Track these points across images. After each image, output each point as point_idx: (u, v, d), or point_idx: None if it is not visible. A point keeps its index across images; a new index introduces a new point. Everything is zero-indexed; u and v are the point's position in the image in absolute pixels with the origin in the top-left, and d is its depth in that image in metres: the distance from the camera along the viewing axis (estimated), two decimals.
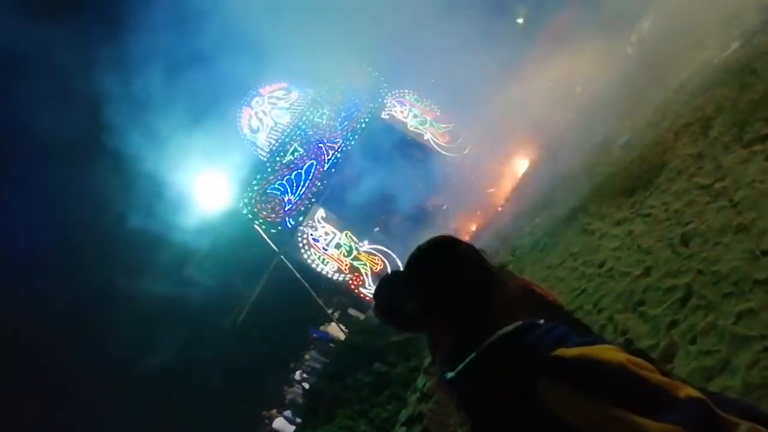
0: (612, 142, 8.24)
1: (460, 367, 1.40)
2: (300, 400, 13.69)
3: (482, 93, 14.51)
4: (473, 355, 1.39)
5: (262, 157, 14.98)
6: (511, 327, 1.40)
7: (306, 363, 14.73)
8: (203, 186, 14.42)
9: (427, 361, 7.93)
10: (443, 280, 1.49)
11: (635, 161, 6.52)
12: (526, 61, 14.42)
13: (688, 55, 7.90)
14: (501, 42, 14.93)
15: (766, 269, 3.42)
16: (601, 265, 5.46)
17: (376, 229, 15.76)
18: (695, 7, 8.26)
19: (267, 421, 13.88)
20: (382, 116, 16.65)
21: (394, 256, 14.73)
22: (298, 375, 14.44)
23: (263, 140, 15.33)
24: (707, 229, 4.26)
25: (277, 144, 15.17)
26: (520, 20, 17.63)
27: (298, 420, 12.94)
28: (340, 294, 15.20)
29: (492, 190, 14.09)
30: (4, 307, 14.54)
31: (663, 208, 5.15)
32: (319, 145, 15.48)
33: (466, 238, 14.66)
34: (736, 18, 7.13)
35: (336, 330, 14.80)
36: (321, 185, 15.27)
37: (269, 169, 14.70)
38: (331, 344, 14.38)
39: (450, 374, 1.43)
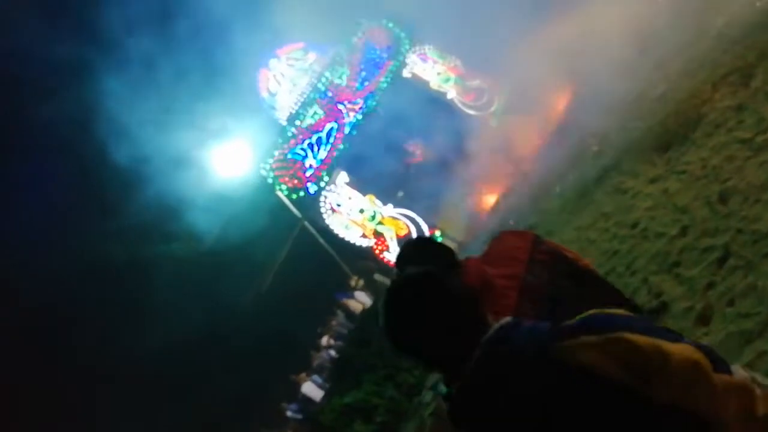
0: (645, 95, 7.87)
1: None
2: (328, 365, 13.86)
3: (508, 46, 13.98)
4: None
5: (281, 121, 14.78)
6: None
7: (333, 328, 14.84)
8: (223, 153, 14.36)
9: None
10: (425, 336, 1.28)
11: (670, 115, 6.19)
12: (553, 10, 13.81)
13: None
14: None
15: None
16: (634, 226, 5.24)
17: (400, 193, 15.54)
18: None
19: (296, 385, 14.12)
20: (404, 75, 16.19)
21: (419, 221, 14.56)
22: (325, 341, 14.57)
23: (282, 103, 15.10)
24: (747, 186, 4.01)
25: (296, 107, 14.93)
26: None
27: (327, 385, 13.13)
28: (365, 259, 15.16)
29: (520, 149, 13.71)
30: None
31: (700, 165, 4.88)
32: (340, 106, 15.18)
33: (493, 199, 14.42)
34: None
35: (362, 296, 14.81)
36: (343, 148, 15.06)
37: (289, 134, 14.51)
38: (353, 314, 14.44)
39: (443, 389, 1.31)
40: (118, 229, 14.69)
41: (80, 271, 15.05)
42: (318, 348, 14.91)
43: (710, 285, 3.61)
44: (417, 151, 15.61)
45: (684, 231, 4.37)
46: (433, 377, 7.01)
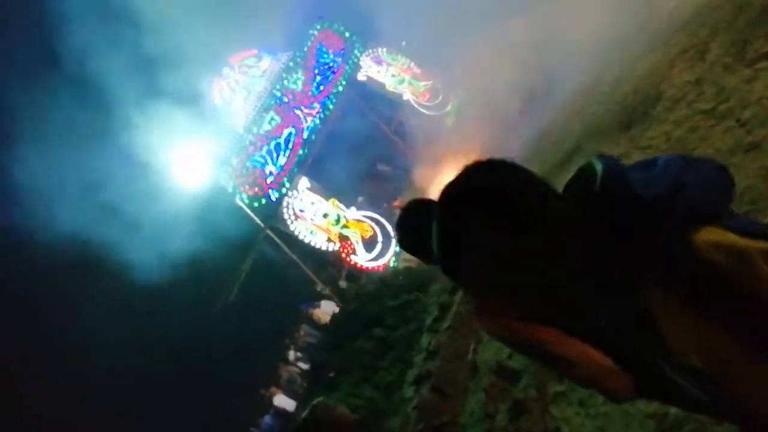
0: (601, 80, 8.00)
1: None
2: (298, 379, 13.60)
3: (460, 44, 14.14)
4: None
5: (238, 129, 14.48)
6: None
7: (301, 339, 14.59)
8: (180, 165, 13.94)
9: (430, 319, 7.78)
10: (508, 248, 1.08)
11: (628, 94, 6.28)
12: (505, 7, 14.05)
13: None
14: None
15: None
16: None
17: (360, 198, 15.48)
18: None
19: (267, 400, 13.78)
20: (359, 78, 16.18)
21: (384, 222, 14.48)
22: (292, 355, 14.32)
23: (238, 111, 14.81)
24: (715, 152, 4.06)
25: (253, 114, 14.67)
26: None
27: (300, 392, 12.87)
28: (330, 266, 14.99)
29: (477, 143, 13.83)
30: None
31: (664, 138, 4.95)
32: (297, 112, 15.00)
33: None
34: None
35: (328, 305, 14.61)
36: (302, 154, 14.86)
37: (247, 141, 14.22)
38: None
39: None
40: (72, 240, 14.01)
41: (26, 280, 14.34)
42: (286, 360, 14.63)
43: None
44: (376, 153, 15.58)
45: None
46: (413, 372, 6.90)
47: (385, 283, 11.43)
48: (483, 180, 1.17)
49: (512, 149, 11.07)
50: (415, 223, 2.05)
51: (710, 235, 1.06)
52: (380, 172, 16.56)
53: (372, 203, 15.33)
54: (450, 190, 1.18)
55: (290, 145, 14.48)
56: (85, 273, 14.44)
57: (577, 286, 1.12)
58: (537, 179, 1.19)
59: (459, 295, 6.86)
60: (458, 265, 1.16)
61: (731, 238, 1.06)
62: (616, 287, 1.10)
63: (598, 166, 1.23)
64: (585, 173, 1.26)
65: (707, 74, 4.96)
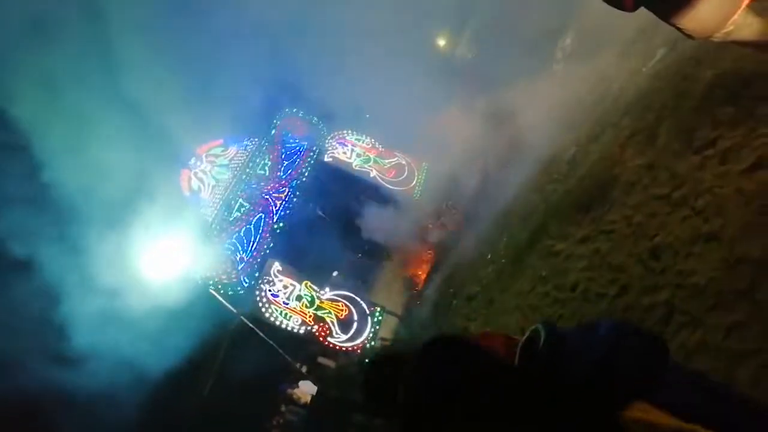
0: (559, 157, 8.31)
1: None
2: None
3: (421, 122, 14.67)
4: None
5: (207, 218, 14.47)
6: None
7: (285, 416, 14.24)
8: (150, 257, 13.75)
9: None
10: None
11: (585, 177, 6.53)
12: (458, 85, 14.71)
13: (617, 67, 8.11)
14: (432, 71, 15.23)
15: (745, 277, 3.35)
16: (573, 288, 5.35)
17: (335, 273, 15.43)
18: (613, 20, 8.54)
19: None
20: (326, 160, 16.50)
21: (358, 299, 14.40)
22: None
23: (207, 200, 14.86)
24: (675, 240, 4.20)
25: (221, 202, 14.72)
26: (442, 42, 18.12)
27: None
28: (307, 346, 14.73)
29: (444, 219, 14.10)
30: None
31: (625, 223, 5.11)
32: (265, 197, 15.13)
33: (427, 271, 14.59)
34: (655, 26, 7.35)
35: (307, 385, 14.29)
36: (272, 238, 14.87)
37: (216, 230, 14.21)
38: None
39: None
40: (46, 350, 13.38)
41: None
42: None
43: None
44: (346, 230, 15.66)
45: (624, 290, 4.49)
46: None
47: (363, 367, 11.28)
48: (440, 377, 1.22)
49: (478, 225, 11.31)
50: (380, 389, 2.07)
51: (640, 413, 1.10)
52: (354, 247, 16.63)
53: (347, 278, 15.29)
54: (413, 389, 1.29)
55: (260, 231, 14.50)
56: (50, 379, 13.76)
57: None
58: (491, 366, 1.26)
59: None
60: None
61: (662, 419, 1.10)
62: None
63: (542, 333, 1.40)
64: (532, 339, 1.43)
65: (659, 159, 5.20)
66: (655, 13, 2.86)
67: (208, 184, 15.14)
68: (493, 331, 2.28)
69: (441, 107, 14.36)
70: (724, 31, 2.72)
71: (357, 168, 16.56)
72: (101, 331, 13.13)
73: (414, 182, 16.39)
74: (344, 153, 16.73)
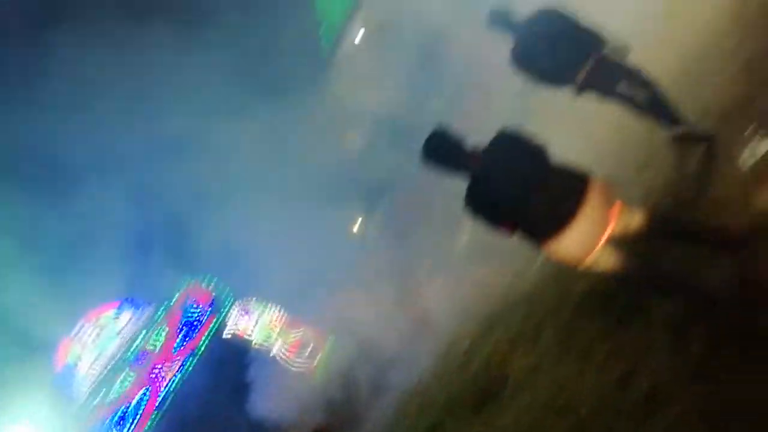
0: (456, 347, 8.34)
1: None
2: None
3: (327, 293, 14.58)
4: None
5: (82, 396, 12.94)
6: None
7: None
8: None
9: None
10: None
11: (478, 373, 6.52)
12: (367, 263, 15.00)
13: (510, 261, 8.57)
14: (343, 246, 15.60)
15: None
16: None
17: None
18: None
19: None
20: (225, 335, 15.68)
21: None
22: None
23: (84, 375, 13.40)
24: None
25: (101, 377, 13.31)
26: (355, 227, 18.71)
27: None
28: None
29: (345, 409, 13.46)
30: None
31: (514, 428, 5.02)
32: (154, 370, 13.92)
33: None
34: None
35: None
36: (157, 415, 13.44)
37: (90, 410, 12.66)
38: None
39: None
40: None
41: None
42: None
43: None
44: (242, 411, 14.54)
45: None
46: None
47: None
48: None
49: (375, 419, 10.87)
50: None
51: None
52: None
53: None
54: None
55: (141, 409, 13.09)
56: None
57: None
58: None
59: None
60: None
61: None
62: None
63: None
64: None
65: (543, 362, 5.28)
66: (528, 242, 3.21)
67: (90, 356, 13.77)
68: None
69: (349, 282, 14.47)
70: (587, 262, 3.05)
71: (259, 343, 15.83)
72: None
73: (317, 359, 15.76)
74: (247, 324, 16.06)
